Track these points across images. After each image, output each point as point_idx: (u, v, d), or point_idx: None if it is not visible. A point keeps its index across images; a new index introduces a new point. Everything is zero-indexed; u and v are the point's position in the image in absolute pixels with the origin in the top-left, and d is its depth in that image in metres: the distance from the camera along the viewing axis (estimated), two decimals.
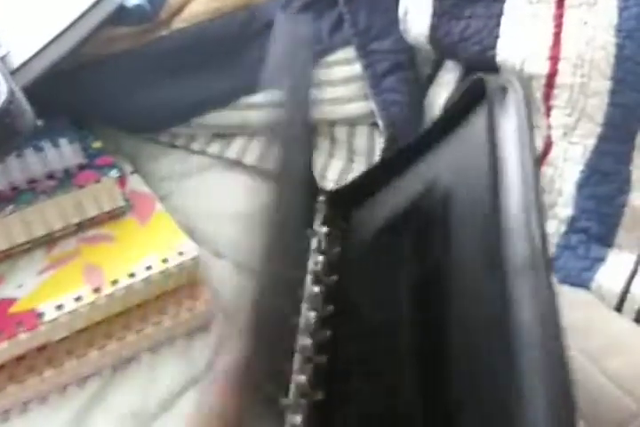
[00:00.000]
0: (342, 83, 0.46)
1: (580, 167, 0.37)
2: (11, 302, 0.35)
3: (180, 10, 0.45)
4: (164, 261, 0.37)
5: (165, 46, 0.44)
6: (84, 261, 0.37)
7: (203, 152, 0.46)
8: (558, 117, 0.37)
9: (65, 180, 0.39)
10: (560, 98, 0.36)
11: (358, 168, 0.46)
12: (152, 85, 0.45)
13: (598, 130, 0.36)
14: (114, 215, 0.40)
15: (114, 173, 0.39)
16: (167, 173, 0.46)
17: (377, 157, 0.44)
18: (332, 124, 0.47)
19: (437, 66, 0.45)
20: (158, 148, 0.47)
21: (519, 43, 0.37)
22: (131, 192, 0.42)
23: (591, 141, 0.36)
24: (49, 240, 0.38)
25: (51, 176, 0.39)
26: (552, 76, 0.36)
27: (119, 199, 0.40)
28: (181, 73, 0.45)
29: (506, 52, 0.38)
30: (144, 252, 0.38)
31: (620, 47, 0.36)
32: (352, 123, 0.47)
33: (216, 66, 0.45)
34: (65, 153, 0.39)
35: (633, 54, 0.36)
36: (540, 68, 0.36)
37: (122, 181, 0.42)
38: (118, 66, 0.44)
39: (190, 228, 0.42)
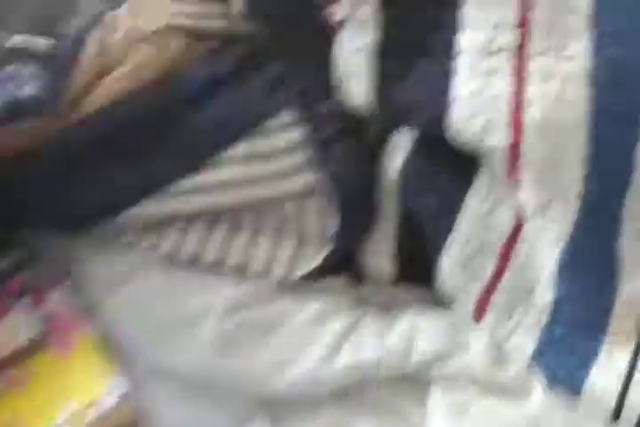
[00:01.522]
0: (285, 153, 0.40)
1: (560, 248, 0.32)
2: None
3: (86, 93, 0.39)
4: (89, 405, 0.32)
5: (75, 137, 0.39)
6: None
7: (134, 247, 0.41)
8: (528, 193, 0.32)
9: None
10: (527, 171, 0.31)
11: (309, 250, 0.41)
12: (68, 181, 0.39)
13: (575, 205, 0.31)
14: (27, 350, 0.34)
15: (24, 306, 0.34)
16: (94, 277, 0.40)
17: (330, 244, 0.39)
18: (280, 200, 0.41)
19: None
20: (83, 247, 0.41)
21: (475, 108, 0.32)
22: (50, 311, 0.37)
23: (569, 218, 0.31)
24: None
25: None
26: (515, 146, 0.31)
27: (32, 332, 0.34)
28: (98, 163, 0.39)
29: (459, 121, 0.32)
30: (66, 395, 0.33)
31: (594, 101, 0.31)
32: (301, 197, 0.41)
33: (137, 151, 0.39)
34: None
35: (611, 108, 0.31)
36: (501, 138, 0.31)
37: (39, 297, 0.36)
38: (25, 165, 0.39)
39: (127, 343, 0.37)
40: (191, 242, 0.40)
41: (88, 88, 0.39)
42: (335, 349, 0.36)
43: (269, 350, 0.37)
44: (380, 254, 0.40)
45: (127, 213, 0.40)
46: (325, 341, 0.37)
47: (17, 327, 0.34)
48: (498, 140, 0.31)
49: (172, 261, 0.40)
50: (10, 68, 0.38)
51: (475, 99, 0.32)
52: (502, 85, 0.32)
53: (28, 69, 0.38)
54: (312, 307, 0.38)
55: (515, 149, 0.31)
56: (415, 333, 0.36)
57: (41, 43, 0.39)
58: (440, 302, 0.39)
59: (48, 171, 0.39)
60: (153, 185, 0.40)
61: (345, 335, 0.37)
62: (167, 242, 0.40)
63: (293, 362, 0.36)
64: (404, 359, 0.35)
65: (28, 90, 0.37)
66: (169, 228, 0.41)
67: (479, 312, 0.36)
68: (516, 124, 0.31)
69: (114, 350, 0.36)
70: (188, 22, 0.42)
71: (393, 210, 0.39)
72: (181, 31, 0.41)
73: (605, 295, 0.31)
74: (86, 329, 0.36)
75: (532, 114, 0.30)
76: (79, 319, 0.36)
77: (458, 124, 0.32)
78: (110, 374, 0.33)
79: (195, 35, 0.42)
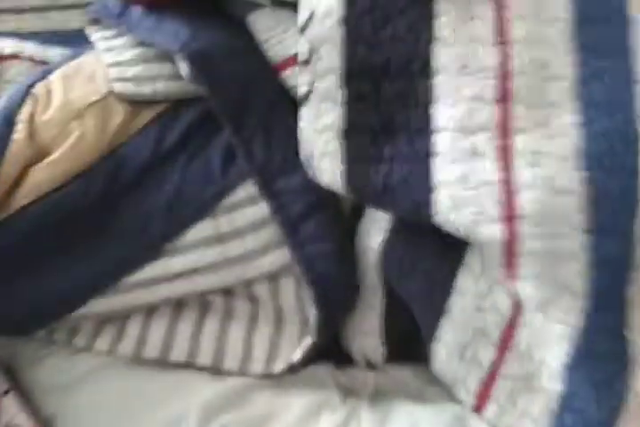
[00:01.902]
0: (250, 231, 0.36)
1: (566, 348, 0.29)
2: None
3: (18, 182, 0.34)
4: None
5: (10, 232, 0.34)
6: None
7: (89, 349, 0.36)
8: (527, 291, 0.28)
9: None
10: (525, 268, 0.28)
11: (289, 334, 0.37)
12: (6, 280, 0.34)
13: (582, 300, 0.28)
14: None
15: None
16: (48, 384, 0.36)
17: (311, 334, 0.35)
18: (249, 283, 0.37)
19: None
20: (33, 350, 0.37)
21: (461, 198, 0.28)
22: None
23: (575, 315, 0.28)
24: None
25: None
26: (510, 242, 0.28)
27: None
28: (40, 260, 0.34)
29: (444, 210, 0.29)
30: None
31: (590, 182, 0.28)
32: (273, 277, 0.37)
33: (82, 242, 0.35)
34: None
35: (609, 189, 0.28)
36: (493, 232, 0.28)
37: None
38: None
39: None
40: (153, 340, 0.36)
41: (21, 177, 0.34)
42: None
43: None
44: (368, 334, 0.36)
45: (77, 312, 0.35)
46: None
47: None
48: (490, 234, 0.28)
49: (132, 361, 0.36)
50: None
51: (460, 186, 0.28)
52: (489, 171, 0.28)
53: None
54: (298, 404, 0.34)
55: (510, 244, 0.28)
56: None
57: None
58: (438, 381, 0.36)
59: None
60: (102, 278, 0.35)
61: None
62: (125, 343, 0.36)
63: None
64: None
65: None
66: (126, 325, 0.37)
67: (481, 402, 0.33)
68: (509, 216, 0.27)
69: None
70: (129, 88, 0.37)
71: (376, 287, 0.36)
72: (123, 98, 0.37)
73: (617, 394, 0.28)
74: None
75: (525, 204, 0.27)
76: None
77: (443, 213, 0.28)
78: None
79: (138, 101, 0.37)
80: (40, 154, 0.35)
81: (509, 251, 0.28)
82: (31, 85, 0.37)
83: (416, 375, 0.37)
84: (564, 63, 0.29)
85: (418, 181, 0.29)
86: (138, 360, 0.36)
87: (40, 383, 0.36)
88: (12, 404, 0.34)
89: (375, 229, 0.35)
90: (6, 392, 0.35)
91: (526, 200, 0.27)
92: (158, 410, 0.34)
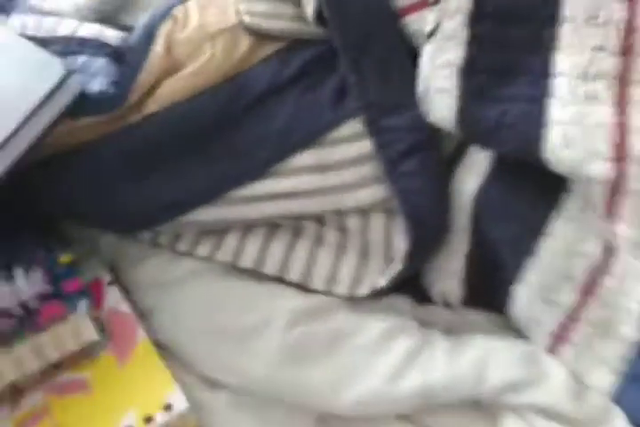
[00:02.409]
0: (350, 165, 0.38)
1: None
2: None
3: (152, 90, 0.37)
4: (148, 419, 0.31)
5: (138, 135, 0.37)
6: (54, 423, 0.31)
7: (190, 254, 0.39)
8: (624, 229, 0.30)
9: (24, 319, 0.32)
10: (627, 207, 0.29)
11: (373, 266, 0.39)
12: (127, 180, 0.38)
13: None
14: (87, 353, 0.33)
15: (83, 306, 0.33)
16: (150, 281, 0.39)
17: (399, 263, 0.37)
18: (342, 213, 0.39)
19: (465, 141, 0.38)
20: (139, 249, 0.40)
21: (573, 136, 0.30)
22: (108, 313, 0.36)
23: None
24: (13, 392, 0.32)
25: (8, 315, 0.32)
26: (617, 180, 0.29)
27: (92, 334, 0.33)
28: (159, 164, 0.37)
29: (555, 147, 0.30)
30: (124, 405, 0.31)
31: None
32: (365, 211, 0.39)
33: (199, 154, 0.38)
34: (22, 286, 0.32)
35: None
36: (601, 170, 0.29)
37: (97, 292, 0.35)
38: (86, 160, 0.37)
39: (179, 352, 0.36)
40: (249, 252, 0.39)
41: (154, 86, 0.37)
42: (401, 369, 0.34)
43: (332, 366, 0.35)
44: (449, 276, 0.38)
45: (184, 218, 0.38)
46: (391, 360, 0.35)
47: (77, 329, 0.32)
48: (599, 171, 0.29)
49: (228, 270, 0.39)
50: (80, 59, 0.36)
51: (574, 126, 0.29)
52: (604, 114, 0.29)
53: (98, 62, 0.36)
54: (377, 326, 0.36)
55: (617, 182, 0.29)
56: (488, 359, 0.34)
57: (110, 34, 0.38)
58: (510, 327, 0.37)
59: (107, 168, 0.37)
60: (212, 189, 0.38)
61: (412, 356, 0.35)
62: (224, 251, 0.39)
63: (357, 380, 0.34)
64: (475, 386, 0.33)
65: (98, 84, 0.35)
66: (225, 236, 0.39)
67: (557, 344, 0.34)
68: (620, 157, 0.29)
69: (171, 360, 0.35)
70: (256, 21, 0.40)
71: (465, 230, 0.37)
72: (249, 30, 0.39)
73: None
74: (143, 336, 0.34)
75: (637, 146, 0.28)
76: (136, 325, 0.35)
77: (554, 151, 0.30)
78: (169, 388, 0.32)
79: (263, 35, 0.40)
80: (173, 68, 0.38)
81: (615, 189, 0.29)
82: (171, 8, 0.40)
83: (489, 320, 0.38)
84: None
85: (531, 120, 0.31)
86: (234, 268, 0.38)
87: (141, 281, 0.39)
88: (116, 293, 0.38)
89: (472, 173, 0.36)
90: (110, 283, 0.38)
91: (638, 142, 0.28)
92: (249, 312, 0.37)
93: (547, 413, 0.33)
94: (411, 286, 0.39)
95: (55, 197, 0.38)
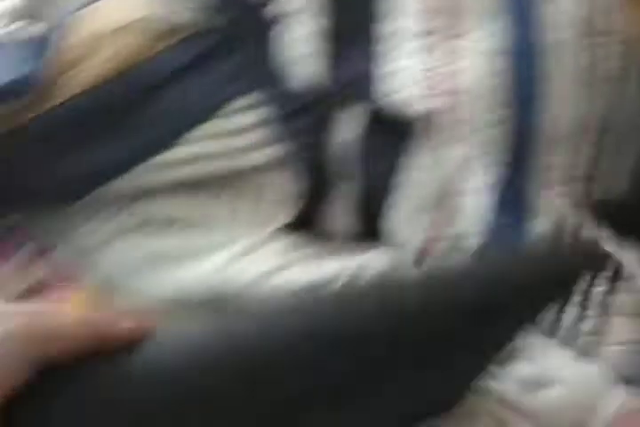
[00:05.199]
0: (248, 130, 0.46)
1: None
2: None
3: (67, 77, 0.43)
4: None
5: (53, 119, 0.43)
6: None
7: (113, 219, 0.45)
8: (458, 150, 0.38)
9: None
10: (453, 132, 0.38)
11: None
12: (45, 161, 0.43)
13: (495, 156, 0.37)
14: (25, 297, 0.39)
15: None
16: (80, 247, 0.44)
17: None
18: (240, 173, 0.47)
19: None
20: (70, 218, 0.45)
21: (401, 84, 0.38)
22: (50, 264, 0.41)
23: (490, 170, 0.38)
24: None
25: None
26: (440, 111, 0.38)
27: (31, 277, 0.39)
28: (74, 144, 0.43)
29: (388, 93, 0.39)
30: None
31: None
32: (262, 170, 0.47)
33: (110, 130, 0.44)
34: None
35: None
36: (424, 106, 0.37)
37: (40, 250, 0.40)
38: (13, 144, 0.43)
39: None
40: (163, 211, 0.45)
41: (69, 69, 0.43)
42: None
43: None
44: (340, 214, 0.46)
45: (107, 186, 0.44)
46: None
47: (21, 272, 0.37)
48: (422, 107, 0.38)
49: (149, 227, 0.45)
50: None
51: (402, 74, 0.38)
52: (430, 62, 0.38)
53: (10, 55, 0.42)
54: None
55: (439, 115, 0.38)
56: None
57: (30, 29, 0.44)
58: None
59: (35, 148, 0.43)
60: (129, 160, 0.44)
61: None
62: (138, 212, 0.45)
63: None
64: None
65: (5, 75, 0.41)
66: (148, 199, 0.46)
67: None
68: (440, 94, 0.37)
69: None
70: (162, 15, 0.47)
71: (350, 176, 0.45)
72: (146, 27, 0.46)
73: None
74: (81, 285, 0.40)
75: (453, 86, 0.37)
76: (74, 275, 0.40)
77: (388, 96, 0.38)
78: None
79: (156, 32, 0.47)
80: (81, 59, 0.44)
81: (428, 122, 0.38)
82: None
83: None
84: None
85: (373, 74, 0.39)
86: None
87: (71, 246, 0.45)
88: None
89: (346, 128, 0.45)
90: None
91: (455, 83, 0.37)
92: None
93: None
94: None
95: None
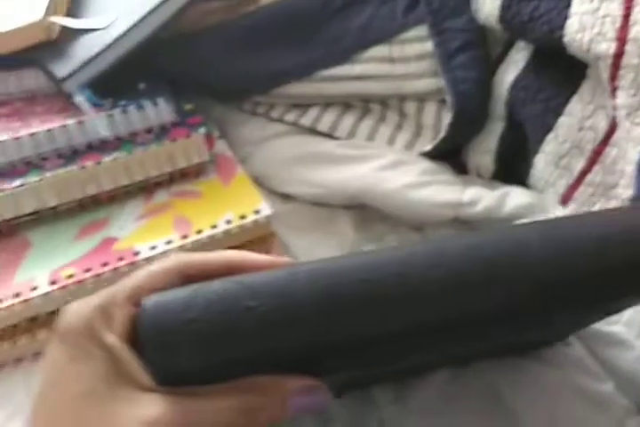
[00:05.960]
0: (414, 59, 0.48)
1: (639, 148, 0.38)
2: (114, 240, 0.40)
3: None
4: (242, 217, 0.41)
5: (253, 20, 0.48)
6: (175, 213, 0.42)
7: (280, 120, 0.50)
8: (623, 98, 0.38)
9: (160, 134, 0.43)
10: (625, 78, 0.38)
11: (423, 141, 0.49)
12: (239, 57, 0.49)
13: None
14: (200, 170, 0.44)
15: (202, 131, 0.44)
16: (248, 138, 0.50)
17: (443, 133, 0.47)
18: (403, 98, 0.49)
19: (508, 45, 0.47)
20: (241, 115, 0.51)
21: (587, 23, 0.39)
22: (216, 154, 0.46)
23: None
24: (146, 189, 0.43)
25: (149, 130, 0.43)
26: (618, 56, 0.38)
27: (205, 155, 0.44)
28: (265, 46, 0.48)
29: (574, 32, 0.39)
30: (225, 208, 0.42)
31: None
32: (421, 98, 0.49)
33: (297, 40, 0.48)
34: (162, 111, 0.43)
35: None
36: (607, 48, 0.38)
37: (209, 142, 0.46)
38: (210, 38, 0.49)
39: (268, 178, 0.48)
40: (325, 120, 0.49)
41: None
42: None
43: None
44: (484, 153, 0.48)
45: (278, 90, 0.49)
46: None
47: (196, 148, 0.43)
48: (605, 49, 0.38)
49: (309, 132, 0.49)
50: None
51: (588, 16, 0.39)
52: (614, 8, 0.38)
53: None
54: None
55: (617, 59, 0.38)
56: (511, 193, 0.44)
57: None
58: None
59: (226, 45, 0.49)
60: (303, 68, 0.49)
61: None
62: (307, 118, 0.49)
63: None
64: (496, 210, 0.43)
65: None
66: (309, 108, 0.50)
67: (564, 202, 0.43)
68: (621, 40, 0.37)
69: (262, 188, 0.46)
70: None
71: (501, 115, 0.47)
72: None
73: None
74: (241, 169, 0.45)
75: (635, 33, 0.37)
76: (236, 163, 0.46)
77: (572, 35, 0.39)
78: (259, 201, 0.42)
79: None
80: None
81: (615, 64, 0.38)
82: None
83: None
84: None
85: (557, 13, 0.40)
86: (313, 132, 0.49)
87: (242, 137, 0.50)
88: (223, 144, 0.48)
89: (511, 68, 0.46)
90: (219, 137, 0.49)
91: (637, 28, 0.37)
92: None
93: None
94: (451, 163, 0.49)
95: (181, 68, 0.50)
